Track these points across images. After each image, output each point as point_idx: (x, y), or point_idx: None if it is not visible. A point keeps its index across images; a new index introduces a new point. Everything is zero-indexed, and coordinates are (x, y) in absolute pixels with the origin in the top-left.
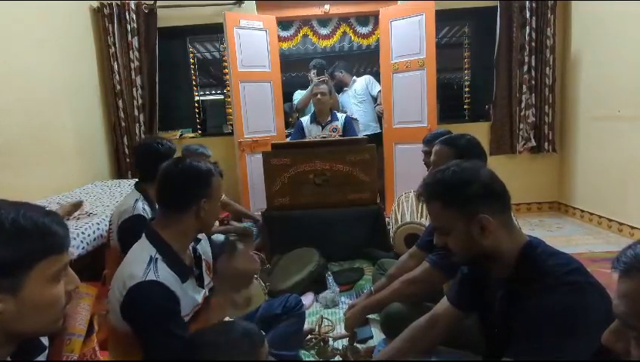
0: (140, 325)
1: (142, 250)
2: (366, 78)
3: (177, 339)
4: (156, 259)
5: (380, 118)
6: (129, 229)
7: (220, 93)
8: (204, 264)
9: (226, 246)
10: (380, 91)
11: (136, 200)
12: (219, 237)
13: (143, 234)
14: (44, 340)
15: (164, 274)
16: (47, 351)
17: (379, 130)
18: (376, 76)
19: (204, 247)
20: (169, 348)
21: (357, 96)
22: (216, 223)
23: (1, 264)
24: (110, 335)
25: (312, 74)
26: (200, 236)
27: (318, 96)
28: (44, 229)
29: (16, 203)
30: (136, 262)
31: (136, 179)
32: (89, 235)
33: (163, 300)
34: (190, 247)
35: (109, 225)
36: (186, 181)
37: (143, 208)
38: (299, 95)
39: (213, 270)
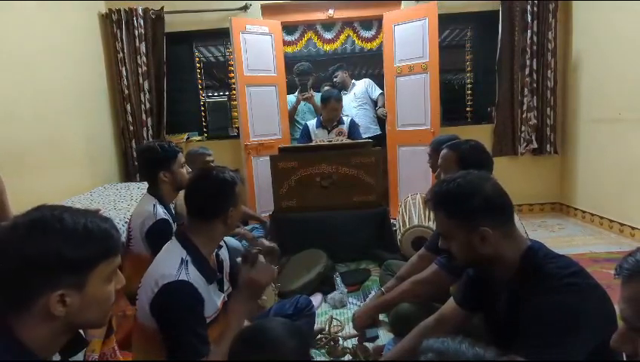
0: (168, 321)
1: (173, 251)
2: (365, 82)
3: (201, 338)
4: (187, 261)
5: (382, 121)
6: (158, 234)
7: (222, 95)
8: (224, 269)
9: (248, 258)
10: (381, 94)
11: (154, 205)
12: (233, 243)
13: (174, 237)
14: (86, 336)
15: (194, 276)
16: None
17: (379, 132)
18: (380, 79)
19: (225, 253)
20: (193, 346)
21: (356, 100)
22: None
23: (73, 262)
24: (136, 331)
25: (296, 80)
26: (221, 243)
27: (332, 111)
28: (107, 234)
29: (82, 210)
30: (169, 262)
31: (145, 182)
32: None
33: (192, 300)
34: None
35: (128, 231)
36: (213, 194)
37: (163, 212)
38: (288, 104)
39: (231, 278)
